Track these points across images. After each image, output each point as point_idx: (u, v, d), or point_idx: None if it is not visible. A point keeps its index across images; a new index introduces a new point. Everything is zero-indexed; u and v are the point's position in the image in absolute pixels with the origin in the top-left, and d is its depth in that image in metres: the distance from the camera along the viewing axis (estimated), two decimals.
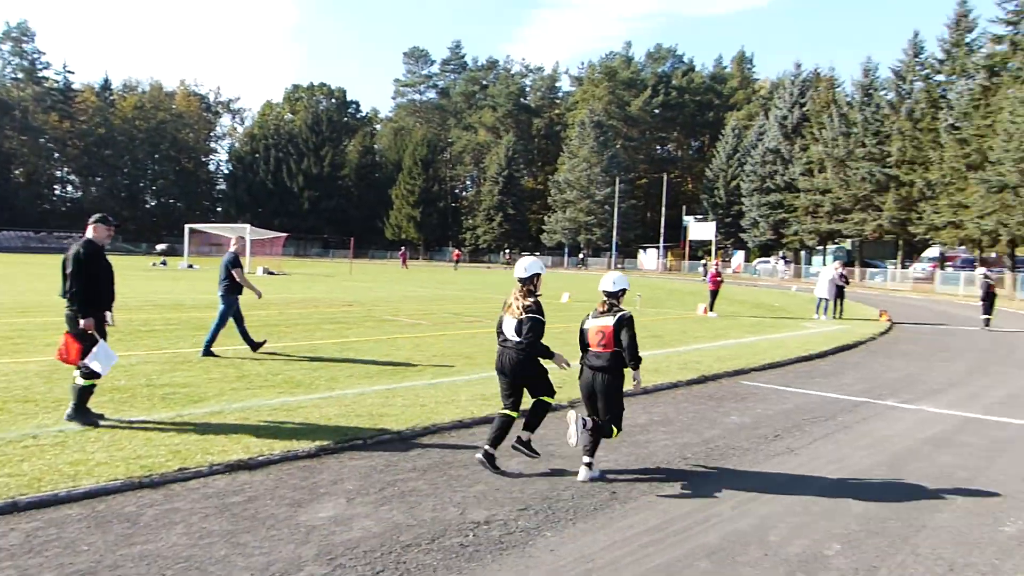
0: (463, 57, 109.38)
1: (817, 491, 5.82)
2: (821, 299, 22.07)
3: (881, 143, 51.76)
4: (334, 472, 5.83)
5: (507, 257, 75.78)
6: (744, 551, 4.57)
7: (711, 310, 21.95)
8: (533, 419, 6.15)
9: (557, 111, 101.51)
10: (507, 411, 6.08)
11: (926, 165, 47.18)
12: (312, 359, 10.93)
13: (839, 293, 22.27)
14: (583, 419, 5.90)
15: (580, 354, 6.21)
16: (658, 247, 72.29)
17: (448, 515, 4.99)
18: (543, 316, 5.92)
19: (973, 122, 42.97)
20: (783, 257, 62.86)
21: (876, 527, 5.06)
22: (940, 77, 50.74)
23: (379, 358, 11.21)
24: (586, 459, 5.96)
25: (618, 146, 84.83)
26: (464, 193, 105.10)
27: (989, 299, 20.89)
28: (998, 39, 44.83)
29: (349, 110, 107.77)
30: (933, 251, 57.06)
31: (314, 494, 5.30)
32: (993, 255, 49.34)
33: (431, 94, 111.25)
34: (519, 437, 6.15)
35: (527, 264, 6.16)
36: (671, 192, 76.47)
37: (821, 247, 61.80)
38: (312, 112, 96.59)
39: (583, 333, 6.14)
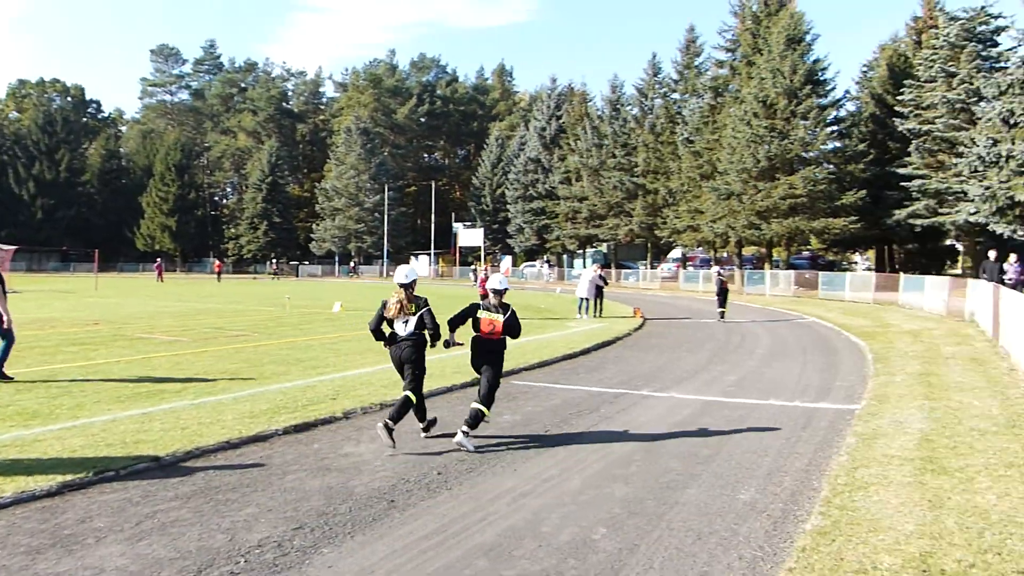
0: (218, 57, 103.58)
1: (584, 480, 6.19)
2: (583, 299, 23.44)
3: (629, 154, 56.06)
4: (81, 510, 5.25)
5: (274, 267, 72.34)
6: (519, 544, 4.74)
7: None
8: (397, 412, 6.99)
9: (322, 117, 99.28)
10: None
11: (667, 175, 51.78)
12: (51, 385, 9.78)
13: (599, 293, 23.76)
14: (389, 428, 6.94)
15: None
16: (429, 254, 73.07)
17: (216, 543, 4.69)
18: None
19: (704, 136, 47.95)
20: (547, 261, 66.19)
21: (636, 508, 5.48)
22: (676, 95, 56.00)
23: (133, 380, 10.27)
24: (464, 428, 7.12)
25: (386, 153, 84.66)
26: (225, 201, 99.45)
27: (723, 294, 23.35)
28: (720, 64, 50.62)
29: (88, 110, 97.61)
30: (676, 252, 62.66)
31: (56, 537, 4.73)
32: (725, 255, 55.20)
33: (184, 95, 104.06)
34: (387, 423, 6.91)
35: (407, 271, 7.33)
36: (440, 200, 77.69)
37: (581, 251, 65.70)
38: (43, 111, 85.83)
39: (476, 321, 7.41)
